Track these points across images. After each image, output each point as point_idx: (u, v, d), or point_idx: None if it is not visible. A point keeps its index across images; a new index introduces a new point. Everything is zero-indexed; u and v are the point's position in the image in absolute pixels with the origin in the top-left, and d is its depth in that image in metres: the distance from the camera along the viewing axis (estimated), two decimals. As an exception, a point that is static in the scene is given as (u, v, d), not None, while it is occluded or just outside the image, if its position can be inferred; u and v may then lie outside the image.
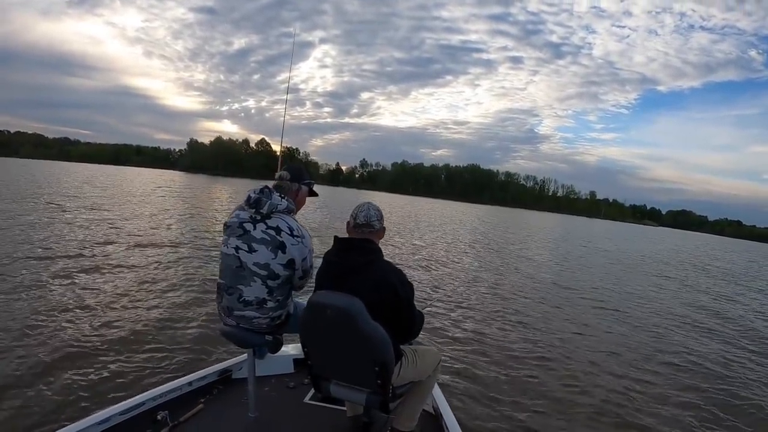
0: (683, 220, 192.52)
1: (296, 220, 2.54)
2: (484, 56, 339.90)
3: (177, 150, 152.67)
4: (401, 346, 2.37)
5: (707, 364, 6.33)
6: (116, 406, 2.58)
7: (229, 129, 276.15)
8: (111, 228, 12.59)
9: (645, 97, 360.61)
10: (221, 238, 2.55)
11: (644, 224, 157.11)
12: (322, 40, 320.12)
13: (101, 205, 18.57)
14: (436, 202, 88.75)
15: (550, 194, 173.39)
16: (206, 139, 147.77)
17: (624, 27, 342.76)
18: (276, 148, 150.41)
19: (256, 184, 2.46)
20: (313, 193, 2.82)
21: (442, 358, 2.71)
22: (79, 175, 45.74)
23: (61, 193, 22.16)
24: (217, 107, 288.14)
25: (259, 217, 2.45)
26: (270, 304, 2.47)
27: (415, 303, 2.40)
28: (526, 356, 5.90)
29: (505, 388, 4.89)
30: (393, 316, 2.17)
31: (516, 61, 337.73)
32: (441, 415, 2.82)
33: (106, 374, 4.27)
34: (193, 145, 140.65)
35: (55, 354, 4.54)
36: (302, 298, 2.65)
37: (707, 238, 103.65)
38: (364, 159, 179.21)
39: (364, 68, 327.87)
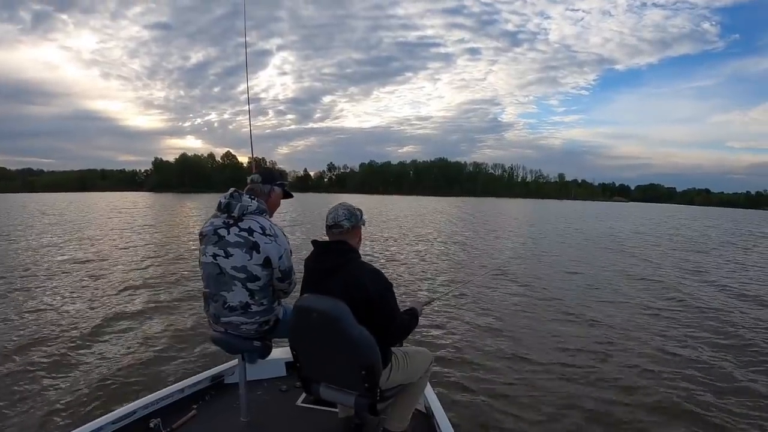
0: (652, 193, 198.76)
1: (269, 220, 2.59)
2: (442, 50, 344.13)
3: (143, 170, 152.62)
4: (391, 349, 2.40)
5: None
6: (108, 415, 2.59)
7: (193, 144, 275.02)
8: (90, 248, 13.44)
9: (604, 77, 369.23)
10: (200, 248, 2.59)
11: (614, 201, 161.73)
12: (280, 47, 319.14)
13: (77, 229, 19.59)
14: (406, 199, 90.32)
15: (519, 181, 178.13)
16: (171, 157, 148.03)
17: (578, 10, 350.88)
18: (242, 159, 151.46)
19: None
20: (287, 195, 2.89)
21: (434, 358, 2.79)
22: (47, 205, 46.64)
23: (36, 225, 22.79)
24: (180, 123, 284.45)
25: (231, 221, 2.50)
26: (254, 308, 2.53)
27: (416, 303, 2.57)
28: (518, 355, 5.92)
29: (498, 388, 4.93)
30: (369, 316, 2.17)
31: (474, 52, 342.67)
32: (433, 414, 2.85)
33: (97, 383, 4.35)
34: (158, 164, 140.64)
35: (46, 365, 4.69)
36: (291, 303, 2.63)
37: (677, 209, 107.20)
38: (331, 163, 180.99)
39: (324, 72, 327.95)
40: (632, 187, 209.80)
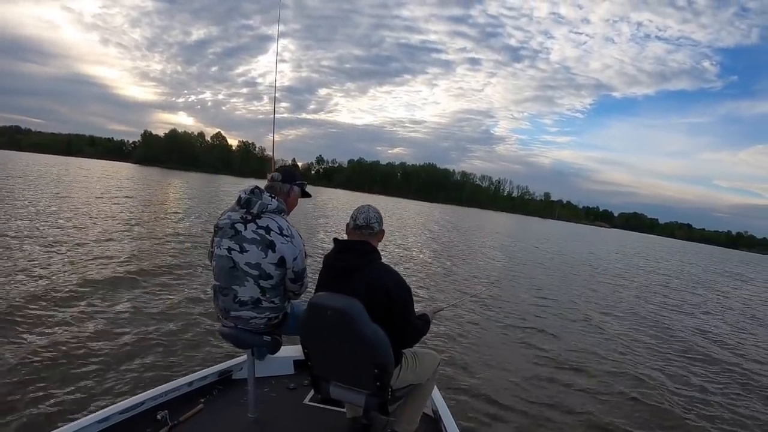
0: (635, 222, 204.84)
1: (287, 221, 2.62)
2: (443, 57, 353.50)
3: (131, 141, 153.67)
4: (402, 350, 2.45)
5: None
6: (116, 405, 2.63)
7: (184, 121, 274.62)
8: (88, 228, 12.51)
9: (600, 103, 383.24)
10: (215, 240, 2.61)
11: (596, 225, 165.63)
12: (282, 34, 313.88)
13: (68, 200, 18.74)
14: (391, 201, 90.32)
15: (505, 195, 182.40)
16: (161, 131, 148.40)
17: (581, 34, 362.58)
18: (232, 142, 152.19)
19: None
20: (305, 194, 2.90)
21: (441, 360, 2.84)
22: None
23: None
24: (173, 99, 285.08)
25: (249, 217, 2.53)
26: (265, 304, 2.57)
27: (427, 310, 2.67)
28: (525, 360, 6.15)
29: (504, 392, 5.06)
30: (386, 317, 2.21)
31: (474, 62, 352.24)
32: (440, 417, 2.90)
33: (106, 373, 4.40)
34: (148, 137, 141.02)
35: (55, 353, 4.68)
36: (302, 299, 2.75)
37: (658, 240, 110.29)
38: (320, 155, 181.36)
39: (323, 64, 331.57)
40: (615, 214, 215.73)
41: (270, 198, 2.58)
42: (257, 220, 2.53)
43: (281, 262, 2.53)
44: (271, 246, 2.50)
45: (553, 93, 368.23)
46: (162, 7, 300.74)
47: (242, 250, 2.50)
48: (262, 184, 2.77)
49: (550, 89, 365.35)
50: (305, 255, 2.65)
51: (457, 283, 11.93)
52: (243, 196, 2.55)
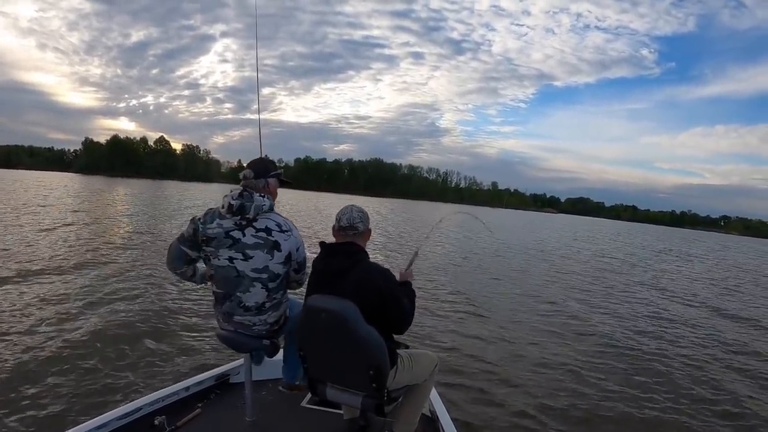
0: (581, 206, 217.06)
1: (280, 215, 2.62)
2: (386, 51, 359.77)
3: (72, 150, 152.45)
4: (397, 351, 2.50)
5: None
6: (114, 411, 2.68)
7: (126, 126, 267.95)
8: (86, 237, 13.37)
9: (542, 92, 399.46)
10: (209, 250, 2.55)
11: (544, 212, 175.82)
12: (224, 34, 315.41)
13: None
14: (340, 198, 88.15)
15: (453, 186, 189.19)
16: (103, 138, 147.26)
17: (522, 25, 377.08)
18: (176, 146, 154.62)
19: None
20: (284, 183, 2.86)
21: (439, 361, 2.84)
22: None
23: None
24: (114, 104, 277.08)
25: (245, 222, 2.50)
26: (268, 305, 2.61)
27: (406, 278, 2.74)
28: (523, 359, 6.20)
29: (503, 391, 5.11)
30: (380, 315, 2.28)
31: (417, 56, 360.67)
32: (438, 418, 2.96)
33: (103, 379, 4.48)
34: (89, 144, 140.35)
35: (52, 359, 4.78)
36: (299, 298, 2.72)
37: (604, 222, 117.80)
38: (266, 155, 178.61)
39: (266, 63, 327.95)
40: (562, 200, 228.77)
41: (262, 198, 2.56)
42: (254, 224, 2.52)
43: (287, 259, 2.59)
44: (276, 246, 2.52)
45: (496, 84, 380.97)
46: (100, 8, 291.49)
47: (246, 257, 2.50)
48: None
49: (493, 80, 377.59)
50: (303, 243, 2.70)
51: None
52: (234, 202, 2.48)
